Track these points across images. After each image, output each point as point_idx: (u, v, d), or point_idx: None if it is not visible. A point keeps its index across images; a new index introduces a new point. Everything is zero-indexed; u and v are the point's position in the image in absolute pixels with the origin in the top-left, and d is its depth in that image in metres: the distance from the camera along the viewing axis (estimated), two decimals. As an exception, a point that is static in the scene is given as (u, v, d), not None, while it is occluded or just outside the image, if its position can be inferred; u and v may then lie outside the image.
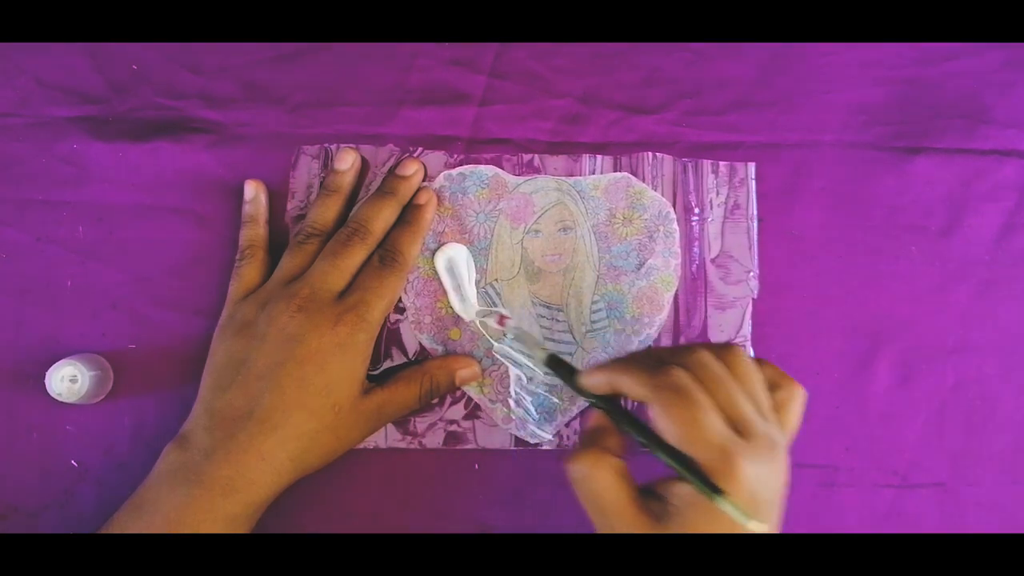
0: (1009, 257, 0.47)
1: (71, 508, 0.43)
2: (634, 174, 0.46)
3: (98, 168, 0.45)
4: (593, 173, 0.46)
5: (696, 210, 0.46)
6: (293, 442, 0.39)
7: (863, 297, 0.46)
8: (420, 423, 0.44)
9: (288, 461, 0.39)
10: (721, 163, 0.46)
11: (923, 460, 0.45)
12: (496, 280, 0.45)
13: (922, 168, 0.47)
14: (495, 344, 0.45)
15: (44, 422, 0.43)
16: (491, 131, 0.47)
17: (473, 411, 0.44)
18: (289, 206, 0.46)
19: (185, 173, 0.45)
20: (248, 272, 0.43)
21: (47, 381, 0.41)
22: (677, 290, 0.45)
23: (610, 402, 0.37)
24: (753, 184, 0.46)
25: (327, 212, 0.44)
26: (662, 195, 0.46)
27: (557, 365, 0.39)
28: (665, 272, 0.45)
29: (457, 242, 0.45)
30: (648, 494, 0.34)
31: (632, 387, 0.34)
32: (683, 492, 0.33)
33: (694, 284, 0.46)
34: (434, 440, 0.44)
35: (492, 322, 0.44)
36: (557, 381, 0.44)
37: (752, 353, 0.45)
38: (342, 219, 0.44)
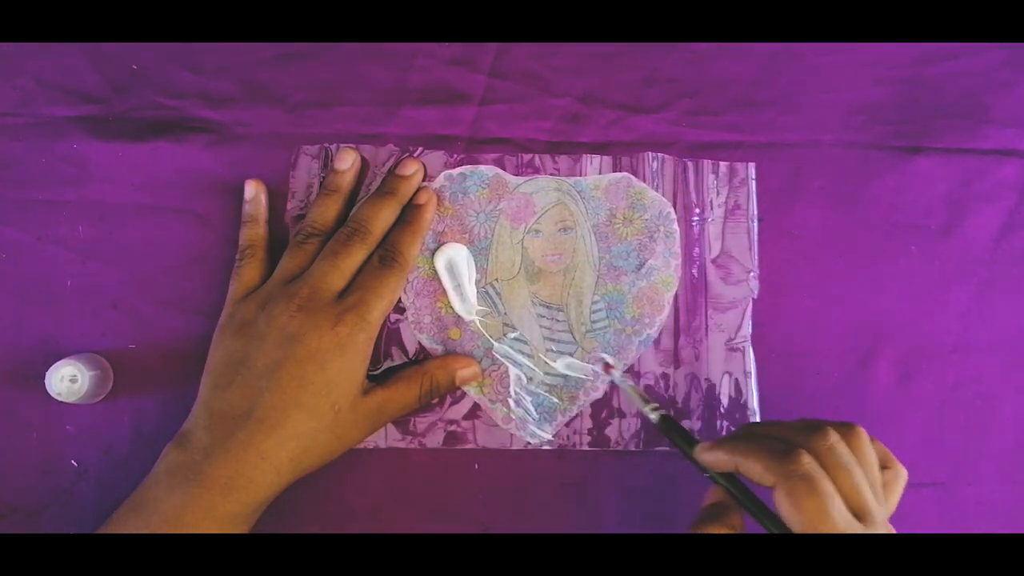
0: (1009, 257, 0.47)
1: (71, 508, 0.43)
2: (634, 174, 0.46)
3: (98, 168, 0.45)
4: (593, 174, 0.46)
5: (696, 210, 0.46)
6: (293, 441, 0.39)
7: (863, 297, 0.46)
8: (420, 423, 0.44)
9: (288, 461, 0.39)
10: (721, 163, 0.46)
11: (923, 460, 0.45)
12: (496, 280, 0.45)
13: (922, 168, 0.47)
14: (495, 344, 0.45)
15: (44, 422, 0.43)
16: (491, 131, 0.47)
17: (473, 411, 0.44)
18: (289, 206, 0.46)
19: (185, 173, 0.45)
20: (248, 272, 0.43)
21: (47, 381, 0.41)
22: (677, 290, 0.45)
23: (734, 483, 0.36)
24: (753, 184, 0.46)
25: (327, 212, 0.44)
26: (662, 195, 0.46)
27: (672, 430, 0.39)
28: (665, 272, 0.45)
29: (457, 242, 0.45)
30: None
31: (759, 473, 0.34)
32: None
33: (694, 284, 0.46)
34: (434, 440, 0.44)
35: (598, 368, 0.44)
36: (557, 381, 0.44)
37: (752, 354, 0.45)
38: (342, 219, 0.44)
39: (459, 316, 0.45)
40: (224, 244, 0.45)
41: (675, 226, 0.46)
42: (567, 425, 0.44)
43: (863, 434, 0.36)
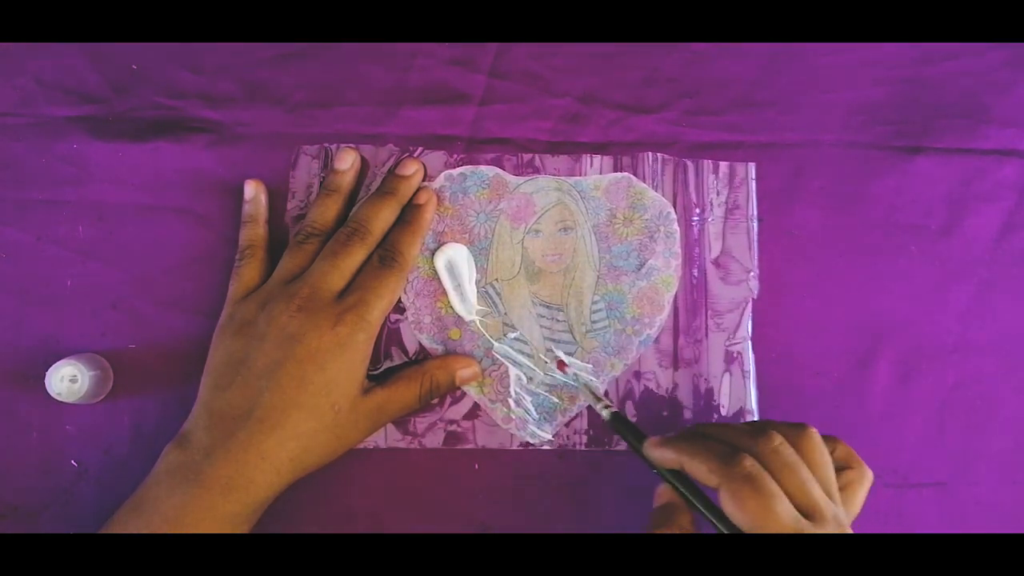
0: (1009, 257, 0.47)
1: (71, 508, 0.43)
2: (634, 174, 0.46)
3: (98, 168, 0.45)
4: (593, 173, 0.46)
5: (696, 210, 0.46)
6: (293, 441, 0.39)
7: (863, 297, 0.46)
8: (420, 423, 0.44)
9: (288, 460, 0.39)
10: (721, 163, 0.46)
11: (923, 460, 0.45)
12: (496, 280, 0.45)
13: (922, 168, 0.47)
14: (495, 344, 0.45)
15: (44, 422, 0.43)
16: (491, 131, 0.47)
17: (473, 411, 0.44)
18: (289, 206, 0.46)
19: (185, 173, 0.45)
20: (248, 272, 0.43)
21: (47, 381, 0.41)
22: (677, 290, 0.45)
23: (681, 480, 0.36)
24: (753, 184, 0.46)
25: (327, 212, 0.44)
26: (662, 195, 0.46)
27: (623, 426, 0.39)
28: (665, 272, 0.45)
29: (457, 242, 0.45)
30: None
31: (702, 473, 0.34)
32: None
33: (694, 284, 0.46)
34: (434, 440, 0.44)
35: (553, 365, 0.44)
36: (557, 381, 0.44)
37: (752, 354, 0.45)
38: (342, 219, 0.44)
39: (459, 316, 0.45)
40: (224, 244, 0.45)
41: (675, 226, 0.46)
42: (567, 425, 0.44)
43: (814, 435, 0.36)
